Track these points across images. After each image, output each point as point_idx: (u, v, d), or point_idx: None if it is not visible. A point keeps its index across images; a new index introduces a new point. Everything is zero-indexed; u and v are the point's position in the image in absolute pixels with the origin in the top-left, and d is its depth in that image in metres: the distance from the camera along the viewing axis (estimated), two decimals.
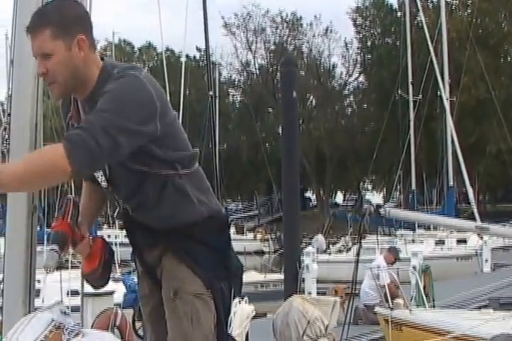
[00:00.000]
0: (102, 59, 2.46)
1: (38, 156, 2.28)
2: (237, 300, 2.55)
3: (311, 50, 50.68)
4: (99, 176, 2.52)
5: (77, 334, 2.25)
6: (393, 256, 11.38)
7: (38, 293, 2.82)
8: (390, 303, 8.49)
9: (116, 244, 13.25)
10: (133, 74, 2.34)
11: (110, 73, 2.37)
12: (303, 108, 44.45)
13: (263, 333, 6.72)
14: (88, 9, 2.81)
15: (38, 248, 2.73)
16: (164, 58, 18.00)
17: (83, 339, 2.23)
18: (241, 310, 2.52)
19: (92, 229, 2.67)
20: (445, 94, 24.11)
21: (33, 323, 2.27)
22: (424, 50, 25.65)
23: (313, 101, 51.63)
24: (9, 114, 2.75)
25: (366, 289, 10.92)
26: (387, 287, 8.99)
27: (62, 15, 2.33)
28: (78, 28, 2.35)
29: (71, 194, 2.80)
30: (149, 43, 56.34)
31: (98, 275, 2.55)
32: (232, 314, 2.54)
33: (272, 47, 51.42)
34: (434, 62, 22.27)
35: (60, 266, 2.42)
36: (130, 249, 2.69)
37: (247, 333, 2.56)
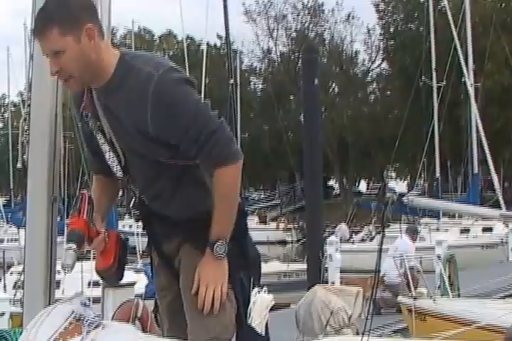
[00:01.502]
0: (119, 48, 2.42)
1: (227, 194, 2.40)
2: (256, 289, 2.52)
3: (332, 37, 50.30)
4: (115, 166, 2.48)
5: (97, 326, 2.22)
6: (413, 234, 11.95)
7: (57, 284, 2.79)
8: (413, 292, 8.43)
9: (137, 234, 13.28)
10: (170, 71, 2.32)
11: (131, 65, 2.32)
12: (325, 95, 44.13)
13: (286, 323, 6.68)
14: None
15: (58, 239, 2.72)
16: (185, 47, 17.98)
17: (103, 331, 2.21)
18: (260, 300, 2.48)
19: (109, 222, 2.64)
20: (469, 80, 23.85)
21: (53, 315, 2.25)
22: (447, 36, 25.34)
23: (336, 88, 51.29)
24: (29, 105, 2.75)
25: (388, 270, 10.94)
26: (409, 273, 8.99)
27: (66, 11, 2.28)
28: (84, 18, 2.30)
29: (90, 184, 2.77)
30: (169, 31, 56.40)
31: (113, 271, 2.52)
32: (251, 304, 2.51)
33: (294, 34, 51.07)
34: (458, 47, 22.03)
35: (81, 257, 2.40)
36: None
37: (267, 323, 2.53)
